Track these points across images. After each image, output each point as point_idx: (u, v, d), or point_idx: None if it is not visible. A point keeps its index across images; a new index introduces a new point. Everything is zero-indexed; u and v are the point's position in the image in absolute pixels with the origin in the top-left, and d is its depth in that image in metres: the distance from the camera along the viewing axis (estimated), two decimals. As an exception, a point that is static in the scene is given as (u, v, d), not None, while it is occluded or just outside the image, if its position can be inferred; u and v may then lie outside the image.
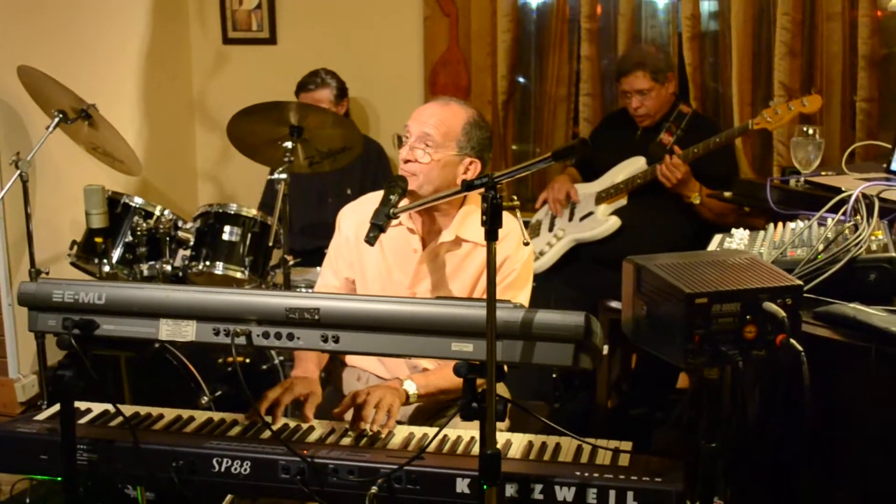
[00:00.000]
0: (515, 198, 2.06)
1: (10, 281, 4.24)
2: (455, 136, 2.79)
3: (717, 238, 2.80)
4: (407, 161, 2.79)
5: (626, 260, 2.13)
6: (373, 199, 2.99)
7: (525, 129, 5.14)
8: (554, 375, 4.05)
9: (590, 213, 4.31)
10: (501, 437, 2.42)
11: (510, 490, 2.17)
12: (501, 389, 2.33)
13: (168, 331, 2.25)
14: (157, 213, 3.87)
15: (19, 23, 4.24)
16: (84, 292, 2.29)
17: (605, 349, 3.79)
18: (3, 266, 4.21)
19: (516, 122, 5.13)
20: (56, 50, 4.37)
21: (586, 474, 2.20)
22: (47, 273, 3.85)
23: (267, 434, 2.46)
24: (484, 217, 1.99)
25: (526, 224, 4.36)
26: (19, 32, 4.23)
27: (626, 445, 2.36)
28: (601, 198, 4.29)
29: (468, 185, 2.08)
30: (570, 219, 4.35)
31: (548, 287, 4.17)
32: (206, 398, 3.50)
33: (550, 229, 4.36)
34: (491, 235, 1.99)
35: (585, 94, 4.92)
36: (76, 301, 2.28)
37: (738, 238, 2.75)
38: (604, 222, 4.24)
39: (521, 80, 5.10)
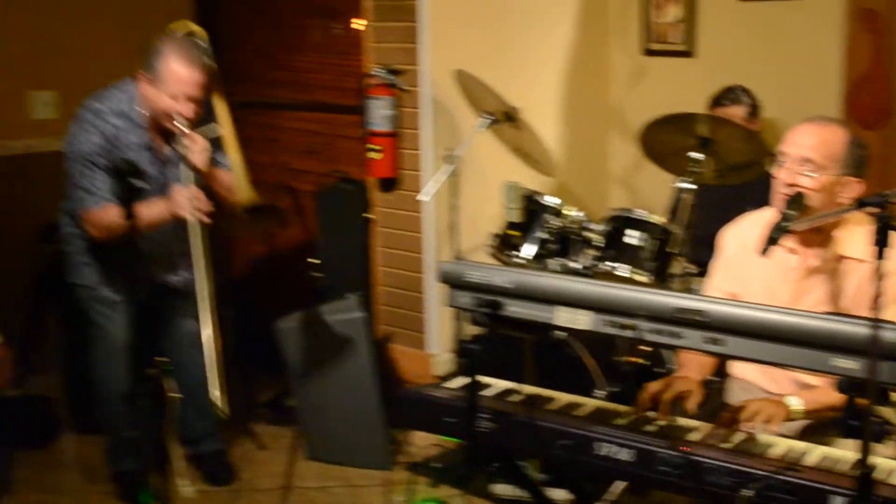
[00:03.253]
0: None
1: (435, 264, 4.66)
2: (837, 157, 2.81)
3: None
4: (790, 185, 2.82)
5: None
6: (751, 218, 3.07)
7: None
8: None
9: None
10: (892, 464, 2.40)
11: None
12: (888, 412, 2.30)
13: (564, 317, 2.45)
14: (569, 212, 4.08)
15: (458, 31, 4.65)
16: (494, 275, 2.54)
17: None
18: (432, 251, 4.63)
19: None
20: (488, 57, 4.72)
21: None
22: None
23: (651, 428, 2.59)
24: (876, 236, 2.00)
25: None
26: (458, 40, 4.64)
27: None
28: None
29: (861, 203, 2.10)
30: None
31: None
32: (600, 392, 3.66)
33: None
34: (880, 255, 2.00)
35: None
36: (487, 283, 2.54)
37: None
38: None
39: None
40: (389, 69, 4.45)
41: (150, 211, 3.59)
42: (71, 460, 4.58)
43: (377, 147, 4.53)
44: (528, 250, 4.07)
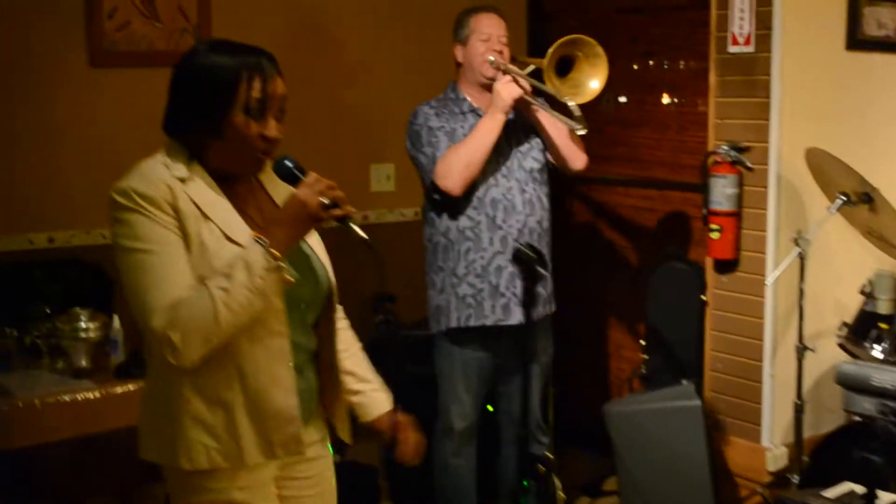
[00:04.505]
0: None
1: (774, 351, 4.39)
2: None
3: None
4: None
5: None
6: None
7: None
8: None
9: None
10: None
11: None
12: None
13: None
14: (935, 305, 3.77)
15: (812, 107, 4.39)
16: (904, 381, 2.31)
17: None
18: (770, 337, 4.38)
19: None
20: (844, 133, 4.44)
21: None
22: (813, 350, 3.93)
23: None
24: None
25: None
26: (812, 116, 4.38)
27: None
28: None
29: None
30: None
31: None
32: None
33: None
34: None
35: None
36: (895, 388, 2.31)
37: None
38: None
39: None
40: (735, 146, 4.26)
41: (481, 126, 3.83)
42: (387, 529, 4.65)
43: (717, 226, 4.35)
44: (889, 344, 3.76)
